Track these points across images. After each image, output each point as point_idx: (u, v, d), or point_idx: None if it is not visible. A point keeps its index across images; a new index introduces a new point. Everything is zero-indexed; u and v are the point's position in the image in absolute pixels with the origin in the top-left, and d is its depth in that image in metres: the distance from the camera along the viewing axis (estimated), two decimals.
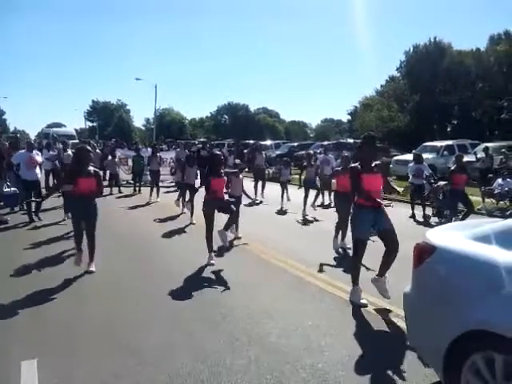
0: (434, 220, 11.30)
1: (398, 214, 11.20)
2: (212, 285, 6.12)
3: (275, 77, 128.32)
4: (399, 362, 4.01)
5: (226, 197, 7.96)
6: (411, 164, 12.55)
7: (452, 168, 10.51)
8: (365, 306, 5.30)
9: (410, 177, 12.34)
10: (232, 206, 7.31)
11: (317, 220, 11.30)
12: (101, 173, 7.00)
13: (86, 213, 6.57)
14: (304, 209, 11.76)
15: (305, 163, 12.94)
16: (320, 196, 13.24)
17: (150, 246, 8.44)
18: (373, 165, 5.50)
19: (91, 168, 6.64)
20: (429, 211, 11.85)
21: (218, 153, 8.77)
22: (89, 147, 7.10)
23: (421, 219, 11.55)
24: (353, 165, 5.59)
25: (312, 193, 12.38)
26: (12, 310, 5.06)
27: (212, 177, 7.13)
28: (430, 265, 3.36)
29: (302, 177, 12.82)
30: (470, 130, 33.25)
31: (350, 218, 5.90)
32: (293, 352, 4.16)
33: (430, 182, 12.29)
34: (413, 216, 11.76)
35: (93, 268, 6.56)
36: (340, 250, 8.06)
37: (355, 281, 5.52)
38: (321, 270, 6.79)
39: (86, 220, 6.63)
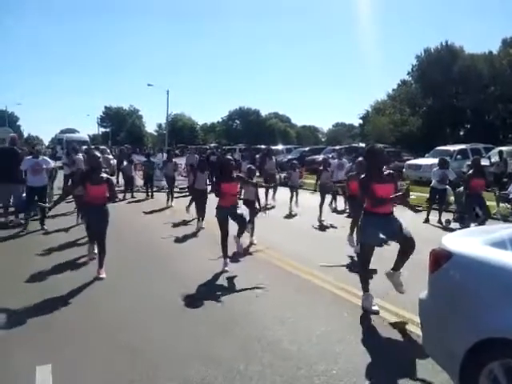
0: (455, 225, 10.98)
1: (412, 218, 11.07)
2: (223, 290, 6.10)
3: (286, 81, 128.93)
4: (414, 369, 3.96)
5: (240, 202, 7.96)
6: (435, 169, 12.37)
7: (469, 172, 10.33)
8: (376, 312, 5.22)
9: (433, 181, 12.16)
10: (244, 216, 7.35)
11: (329, 225, 11.22)
12: (113, 179, 7.08)
13: (97, 222, 6.69)
14: (320, 214, 11.64)
15: (320, 167, 12.86)
16: (333, 201, 13.20)
17: (161, 251, 8.46)
18: (385, 173, 5.47)
19: (104, 175, 6.72)
20: (448, 216, 11.68)
21: (229, 157, 8.79)
22: (97, 153, 7.15)
23: (436, 224, 11.42)
24: (362, 176, 5.54)
25: (328, 197, 12.32)
26: (26, 316, 5.07)
27: (223, 181, 7.15)
28: (446, 271, 3.31)
29: (318, 182, 12.71)
30: (483, 134, 33.05)
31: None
32: (306, 358, 4.13)
33: (453, 188, 12.13)
34: (427, 221, 11.64)
35: (103, 275, 6.53)
36: (354, 253, 7.99)
37: (365, 287, 5.44)
38: (332, 275, 6.74)
39: (96, 229, 6.74)
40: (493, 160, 17.45)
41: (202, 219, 10.66)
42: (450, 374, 3.19)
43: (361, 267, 5.60)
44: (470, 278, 3.14)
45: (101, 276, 6.52)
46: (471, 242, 3.34)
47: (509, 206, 13.11)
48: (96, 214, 6.66)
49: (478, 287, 3.05)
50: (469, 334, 2.95)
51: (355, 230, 8.14)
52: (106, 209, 6.77)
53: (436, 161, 20.52)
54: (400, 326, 4.91)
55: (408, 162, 22.66)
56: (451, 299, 3.24)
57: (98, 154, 7.03)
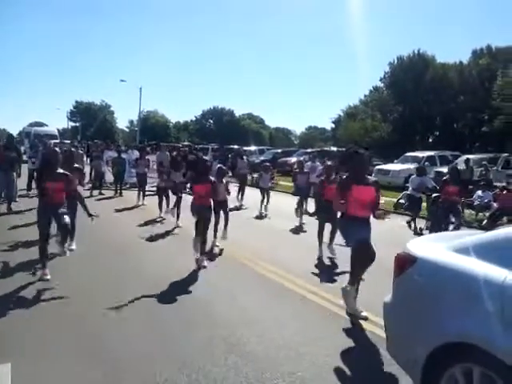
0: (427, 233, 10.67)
1: (392, 224, 11.07)
2: (192, 291, 6.05)
3: (261, 83, 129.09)
4: (379, 372, 4.02)
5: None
6: (413, 176, 12.30)
7: (444, 178, 10.24)
8: (365, 318, 5.17)
9: (410, 189, 12.12)
10: (208, 217, 7.40)
11: (302, 228, 11.23)
12: (70, 175, 6.51)
13: (54, 216, 6.19)
14: (301, 218, 11.56)
15: (297, 170, 12.84)
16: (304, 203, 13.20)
17: (131, 250, 8.34)
18: (367, 177, 5.50)
19: (60, 170, 6.33)
20: (421, 223, 11.73)
21: (205, 158, 8.77)
22: (57, 148, 6.79)
23: (406, 229, 11.53)
24: (344, 176, 5.54)
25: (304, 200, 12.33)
26: None
27: (196, 183, 7.15)
28: (410, 275, 3.36)
29: (295, 183, 12.68)
30: (451, 142, 33.85)
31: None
32: (272, 360, 4.14)
33: (427, 194, 11.86)
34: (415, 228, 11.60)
35: (73, 246, 6.25)
36: (324, 258, 8.01)
37: (355, 300, 5.36)
38: (303, 278, 6.76)
39: (56, 221, 6.22)
40: (459, 167, 17.82)
41: (178, 217, 10.62)
42: (413, 378, 3.24)
43: (356, 268, 5.38)
44: (434, 282, 3.19)
45: (71, 247, 6.29)
46: (436, 248, 3.40)
47: (473, 212, 13.45)
48: (52, 211, 6.17)
49: (440, 292, 3.10)
50: (430, 338, 3.00)
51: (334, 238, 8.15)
52: (64, 210, 6.30)
53: (404, 166, 21.02)
54: (366, 329, 4.97)
55: (377, 167, 22.97)
56: (414, 303, 3.29)
57: (57, 149, 6.72)
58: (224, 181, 8.51)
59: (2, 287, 5.81)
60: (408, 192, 12.37)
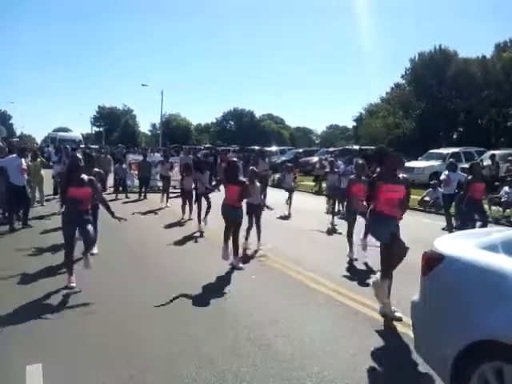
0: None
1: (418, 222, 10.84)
2: (216, 292, 6.09)
3: (280, 83, 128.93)
4: (406, 371, 3.99)
5: (244, 205, 7.85)
6: (452, 174, 11.39)
7: (469, 177, 9.82)
8: (399, 319, 5.08)
9: (449, 189, 11.32)
10: (240, 221, 7.39)
11: (330, 228, 11.13)
12: (95, 180, 6.45)
13: (79, 225, 6.08)
14: (332, 219, 11.49)
15: (327, 170, 12.72)
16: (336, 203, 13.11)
17: (157, 252, 8.43)
18: (398, 175, 5.47)
19: (85, 176, 6.17)
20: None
21: (234, 159, 8.75)
22: (79, 155, 6.70)
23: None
24: (374, 175, 5.54)
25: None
26: (15, 316, 5.03)
27: (228, 183, 7.21)
28: (438, 273, 3.33)
29: (324, 185, 12.58)
30: (476, 138, 33.19)
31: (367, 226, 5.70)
32: (299, 359, 4.14)
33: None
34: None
35: (95, 251, 6.23)
36: (347, 257, 7.92)
37: (386, 295, 5.28)
38: (329, 278, 6.72)
39: (80, 230, 6.14)
40: (485, 163, 17.53)
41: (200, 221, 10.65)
42: (442, 377, 3.21)
43: (387, 263, 5.29)
44: (462, 280, 3.15)
45: (93, 252, 6.25)
46: (463, 245, 3.35)
47: (500, 209, 13.19)
48: (78, 218, 6.04)
49: (469, 290, 3.07)
50: (460, 337, 2.96)
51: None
52: (90, 217, 6.26)
53: (429, 164, 20.65)
54: (393, 328, 4.93)
55: None
56: (443, 302, 3.26)
57: (78, 155, 6.67)
58: (257, 184, 8.48)
59: (33, 291, 5.92)
60: (447, 192, 11.43)
